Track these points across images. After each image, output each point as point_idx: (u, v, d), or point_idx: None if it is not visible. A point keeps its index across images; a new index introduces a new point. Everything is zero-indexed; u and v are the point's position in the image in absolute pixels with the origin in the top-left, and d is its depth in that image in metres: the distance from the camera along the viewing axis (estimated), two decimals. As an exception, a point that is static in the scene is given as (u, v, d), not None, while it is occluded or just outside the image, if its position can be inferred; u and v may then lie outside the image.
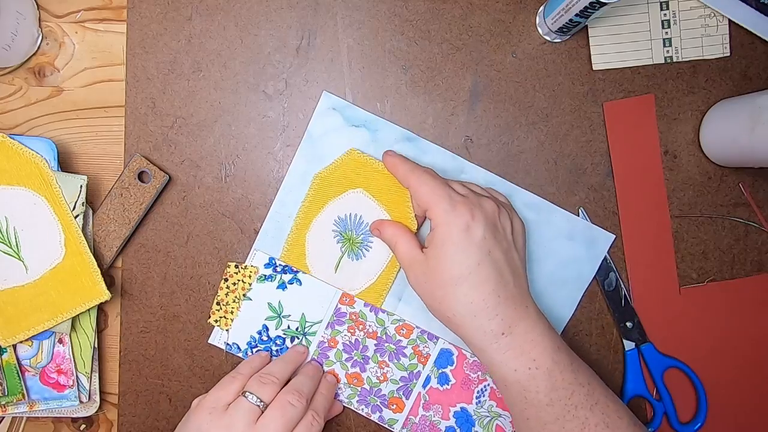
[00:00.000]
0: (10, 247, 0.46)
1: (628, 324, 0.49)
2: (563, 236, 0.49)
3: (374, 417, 0.50)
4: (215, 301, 0.50)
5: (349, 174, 0.49)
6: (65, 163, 0.49)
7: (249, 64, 0.49)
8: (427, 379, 0.50)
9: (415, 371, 0.50)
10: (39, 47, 0.49)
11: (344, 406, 0.50)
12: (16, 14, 0.45)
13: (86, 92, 0.50)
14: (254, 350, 0.50)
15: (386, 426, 0.50)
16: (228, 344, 0.50)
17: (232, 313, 0.50)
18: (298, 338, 0.50)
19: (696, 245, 0.50)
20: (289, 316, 0.50)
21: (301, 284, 0.49)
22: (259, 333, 0.50)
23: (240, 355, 0.50)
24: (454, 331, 0.42)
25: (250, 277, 0.49)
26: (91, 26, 0.50)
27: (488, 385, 0.50)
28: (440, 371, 0.50)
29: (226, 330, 0.50)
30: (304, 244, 0.49)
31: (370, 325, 0.49)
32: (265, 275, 0.49)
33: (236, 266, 0.49)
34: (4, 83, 0.50)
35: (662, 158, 0.49)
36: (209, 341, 0.50)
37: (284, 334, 0.50)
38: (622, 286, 0.49)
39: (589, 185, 0.49)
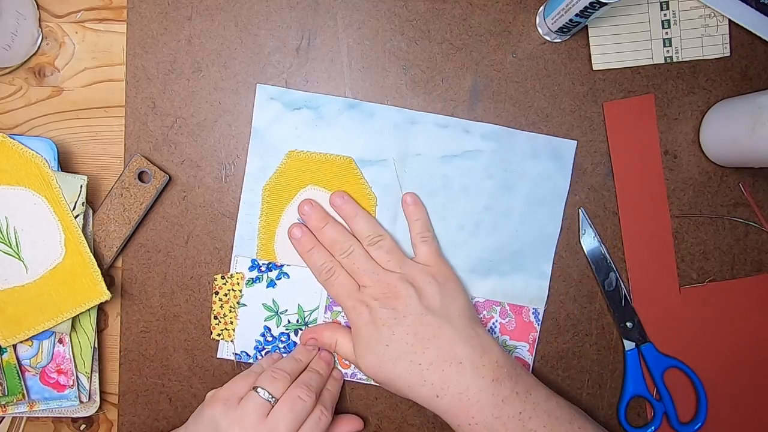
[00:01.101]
0: (10, 247, 0.46)
1: (628, 324, 0.49)
2: (527, 156, 0.49)
3: None
4: (212, 316, 0.50)
5: (294, 175, 0.49)
6: (65, 163, 0.49)
7: (249, 64, 0.49)
8: None
9: None
10: (39, 47, 0.49)
11: (363, 382, 0.50)
12: (16, 14, 0.45)
13: (86, 92, 0.50)
14: (263, 353, 0.50)
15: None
16: (237, 354, 0.50)
17: (231, 323, 0.50)
18: (301, 329, 0.50)
19: (696, 245, 0.50)
20: (287, 311, 0.50)
21: (289, 277, 0.49)
22: (263, 335, 0.50)
23: (251, 362, 0.50)
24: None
25: (238, 284, 0.49)
26: (91, 26, 0.50)
27: (497, 321, 0.50)
28: None
29: (231, 341, 0.50)
30: (274, 255, 0.49)
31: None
32: (252, 278, 0.49)
33: (222, 277, 0.49)
34: (4, 83, 0.50)
35: (662, 158, 0.49)
36: (218, 356, 0.50)
37: (287, 329, 0.50)
38: (622, 286, 0.49)
39: (589, 185, 0.49)
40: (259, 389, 0.44)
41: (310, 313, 0.50)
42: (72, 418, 0.52)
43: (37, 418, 0.51)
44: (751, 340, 0.50)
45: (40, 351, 0.48)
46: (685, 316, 0.50)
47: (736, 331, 0.50)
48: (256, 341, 0.50)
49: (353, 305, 0.45)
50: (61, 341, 0.48)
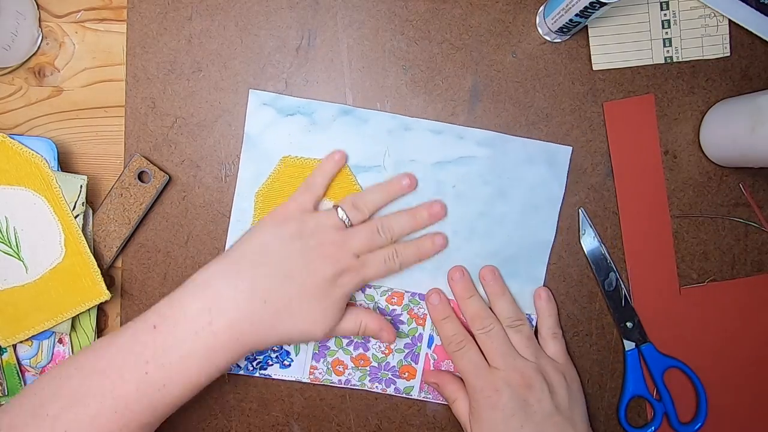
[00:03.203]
0: (10, 247, 0.46)
1: (628, 324, 0.49)
2: (523, 162, 0.49)
3: (390, 390, 0.50)
4: None
5: (288, 181, 0.49)
6: (65, 163, 0.49)
7: (249, 64, 0.49)
8: (431, 339, 0.50)
9: (416, 335, 0.50)
10: (39, 47, 0.49)
11: (357, 388, 0.50)
12: (16, 14, 0.45)
13: (86, 92, 0.50)
14: (254, 363, 0.50)
15: (403, 395, 0.50)
16: None
17: None
18: None
19: (696, 245, 0.50)
20: None
21: None
22: None
23: (241, 372, 0.50)
24: None
25: None
26: (91, 26, 0.50)
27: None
28: None
29: None
30: None
31: (360, 304, 0.49)
32: None
33: None
34: (4, 83, 0.50)
35: (662, 158, 0.49)
36: None
37: None
38: (622, 286, 0.49)
39: (589, 185, 0.49)
40: (339, 210, 0.45)
41: None
42: (72, 418, 0.52)
43: (37, 418, 0.51)
44: (751, 340, 0.50)
45: (40, 351, 0.48)
46: (685, 316, 0.50)
47: (736, 331, 0.50)
48: None
49: (482, 386, 0.44)
50: (61, 341, 0.48)
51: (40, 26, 0.49)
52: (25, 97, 0.50)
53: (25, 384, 0.48)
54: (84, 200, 0.46)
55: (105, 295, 0.46)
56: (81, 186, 0.46)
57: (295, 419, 0.51)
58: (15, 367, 0.48)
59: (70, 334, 0.48)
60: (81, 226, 0.46)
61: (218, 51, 0.49)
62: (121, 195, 0.48)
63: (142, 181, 0.48)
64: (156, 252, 0.50)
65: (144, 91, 0.49)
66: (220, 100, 0.49)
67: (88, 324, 0.48)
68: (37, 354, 0.48)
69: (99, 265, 0.46)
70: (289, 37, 0.49)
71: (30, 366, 0.48)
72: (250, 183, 0.49)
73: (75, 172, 0.48)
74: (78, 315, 0.47)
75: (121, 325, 0.50)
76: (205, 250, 0.50)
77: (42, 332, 0.46)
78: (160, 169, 0.48)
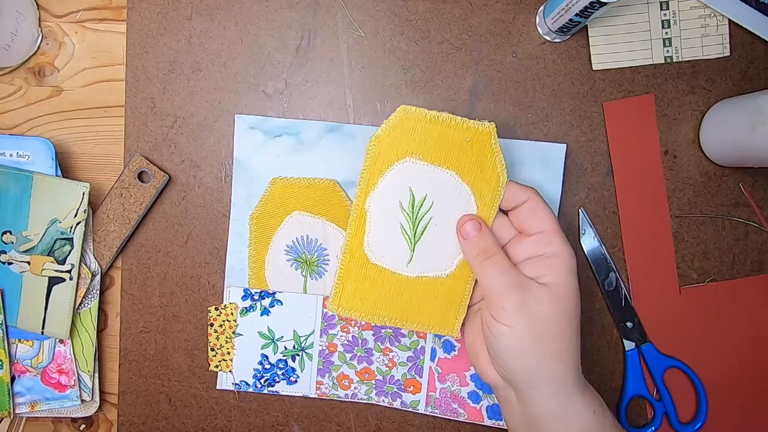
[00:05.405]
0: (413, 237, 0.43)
1: (628, 324, 0.49)
2: (513, 165, 0.48)
3: (396, 404, 0.50)
4: (209, 347, 0.50)
5: (280, 202, 0.49)
6: (65, 164, 0.49)
7: (249, 64, 0.49)
8: (433, 352, 0.49)
9: (418, 348, 0.49)
10: (39, 47, 0.49)
11: (364, 402, 0.50)
12: (16, 14, 0.45)
13: (86, 92, 0.50)
14: (262, 381, 0.50)
15: (410, 409, 0.50)
16: (236, 384, 0.50)
17: (228, 354, 0.50)
18: (299, 355, 0.50)
19: (696, 245, 0.50)
20: (282, 337, 0.50)
21: (282, 304, 0.49)
22: (261, 363, 0.50)
23: (250, 390, 0.50)
24: None
25: (232, 314, 0.49)
26: (91, 26, 0.50)
27: None
28: (443, 340, 0.49)
29: (230, 371, 0.50)
30: (266, 283, 0.49)
31: (363, 323, 0.49)
32: (246, 307, 0.49)
33: (216, 309, 0.49)
34: (4, 83, 0.50)
35: (662, 158, 0.49)
36: (218, 387, 0.50)
37: (284, 356, 0.50)
38: (622, 286, 0.49)
39: (589, 185, 0.49)
40: None
41: (306, 338, 0.50)
42: (72, 418, 0.52)
43: (37, 418, 0.51)
44: (751, 340, 0.50)
45: (41, 351, 0.48)
46: (685, 316, 0.50)
47: (736, 331, 0.50)
48: (255, 370, 0.50)
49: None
50: (62, 341, 0.48)
51: (40, 26, 0.49)
52: (24, 97, 0.50)
53: (13, 402, 0.48)
54: (86, 207, 0.46)
55: (455, 331, 0.44)
56: (83, 193, 0.46)
57: (294, 419, 0.51)
58: (7, 385, 0.48)
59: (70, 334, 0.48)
60: (83, 231, 0.46)
61: (218, 51, 0.49)
62: (121, 195, 0.48)
63: (142, 181, 0.48)
64: (156, 252, 0.50)
65: (144, 91, 0.49)
66: (220, 100, 0.49)
67: (89, 323, 0.48)
68: (38, 354, 0.48)
69: (103, 266, 0.46)
70: (289, 37, 0.49)
71: (31, 366, 0.48)
72: (243, 207, 0.49)
73: (75, 172, 0.48)
74: (79, 315, 0.47)
75: (120, 325, 0.50)
76: (205, 249, 0.50)
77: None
78: (160, 169, 0.48)
